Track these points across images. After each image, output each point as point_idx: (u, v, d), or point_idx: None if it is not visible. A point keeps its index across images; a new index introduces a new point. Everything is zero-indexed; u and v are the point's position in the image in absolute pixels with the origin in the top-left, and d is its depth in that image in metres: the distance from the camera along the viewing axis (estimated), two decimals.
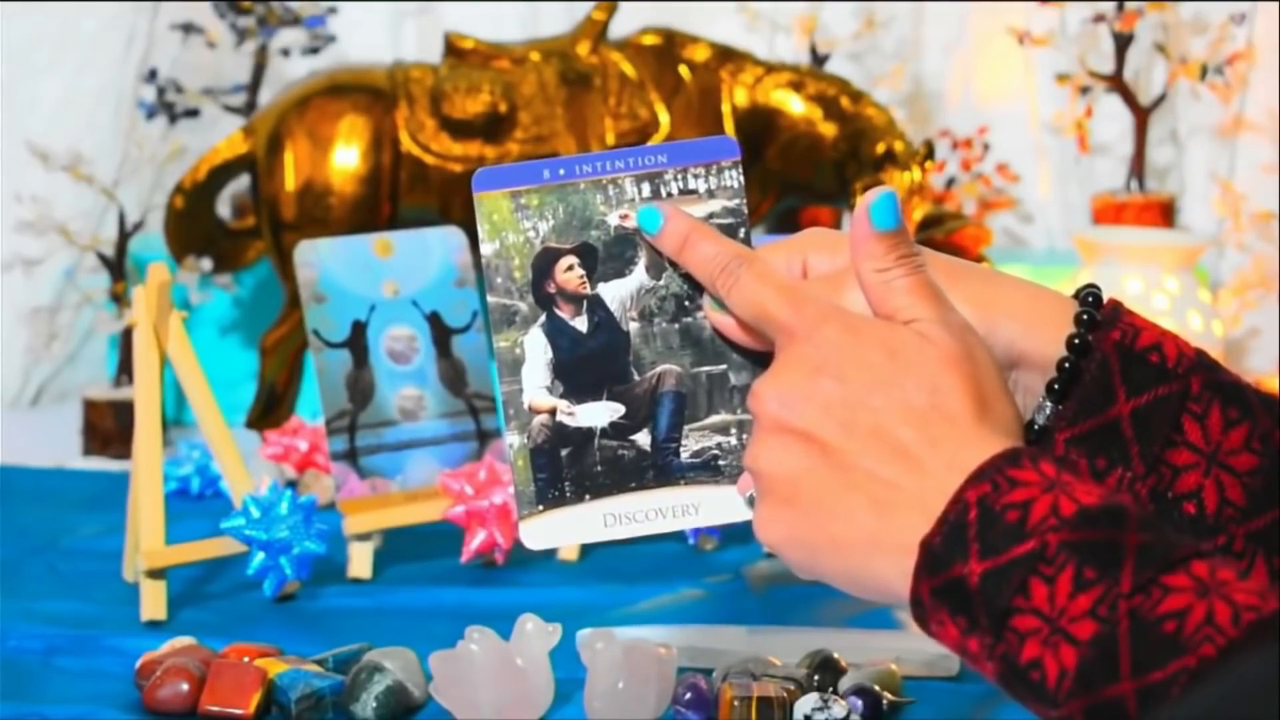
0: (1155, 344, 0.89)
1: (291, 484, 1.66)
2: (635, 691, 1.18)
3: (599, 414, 0.90)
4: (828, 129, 1.86)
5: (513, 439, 0.90)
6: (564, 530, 0.90)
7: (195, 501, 1.68)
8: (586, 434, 0.90)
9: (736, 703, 1.16)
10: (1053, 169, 2.20)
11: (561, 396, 0.90)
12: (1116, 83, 2.07)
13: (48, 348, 2.00)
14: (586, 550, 1.54)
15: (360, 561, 1.48)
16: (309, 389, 1.84)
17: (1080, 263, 1.94)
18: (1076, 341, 0.88)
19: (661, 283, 0.91)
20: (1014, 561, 0.76)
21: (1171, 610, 0.73)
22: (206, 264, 1.86)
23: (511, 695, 1.18)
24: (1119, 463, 0.88)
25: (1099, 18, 2.07)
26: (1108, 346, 0.88)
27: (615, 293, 0.91)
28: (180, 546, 1.39)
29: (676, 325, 0.91)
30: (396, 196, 1.83)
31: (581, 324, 0.91)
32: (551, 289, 0.91)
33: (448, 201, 1.83)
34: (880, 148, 1.84)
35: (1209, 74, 2.05)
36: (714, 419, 0.91)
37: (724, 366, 0.91)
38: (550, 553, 1.53)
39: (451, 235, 1.55)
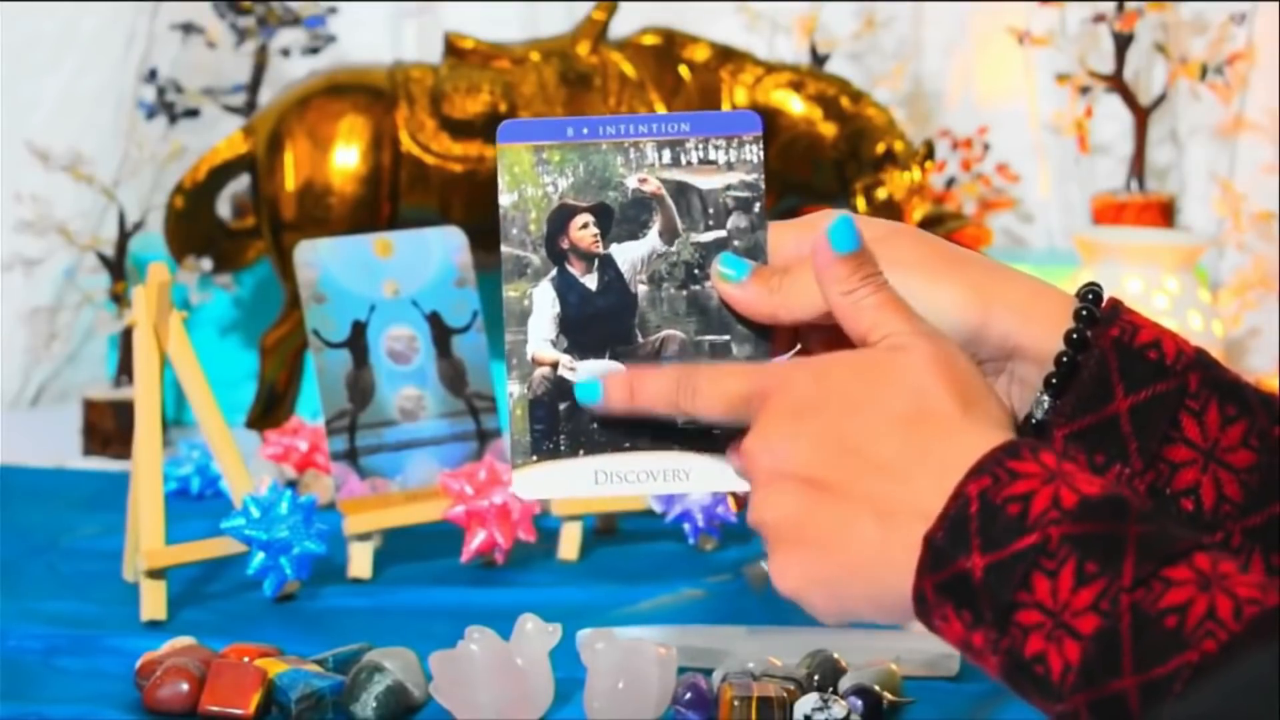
0: (1154, 341, 0.89)
1: (291, 484, 1.66)
2: (635, 691, 1.18)
3: (600, 372, 0.91)
4: (828, 129, 1.86)
5: (513, 388, 0.90)
6: (555, 483, 0.91)
7: (195, 501, 1.68)
8: None
9: (736, 703, 1.16)
10: (1053, 169, 2.20)
11: (565, 351, 0.91)
12: (1116, 83, 2.07)
13: (48, 348, 2.00)
14: (586, 550, 1.54)
15: (360, 561, 1.48)
16: (309, 389, 1.84)
17: (1080, 263, 1.94)
18: (1075, 337, 0.88)
19: (673, 249, 0.91)
20: (1016, 555, 0.76)
21: (1173, 604, 0.73)
22: (206, 264, 1.86)
23: (511, 695, 1.18)
24: (1117, 459, 0.88)
25: (1099, 18, 2.07)
26: (1106, 343, 0.88)
27: (627, 255, 0.92)
28: (180, 546, 1.39)
29: (684, 292, 0.91)
30: (396, 196, 1.83)
31: (591, 282, 0.91)
32: (565, 245, 0.91)
33: (448, 201, 1.83)
34: (880, 148, 1.84)
35: (1209, 74, 2.05)
36: None
37: (727, 337, 0.91)
38: (550, 552, 1.53)
39: (451, 235, 1.55)
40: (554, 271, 0.91)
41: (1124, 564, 0.75)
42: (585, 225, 0.92)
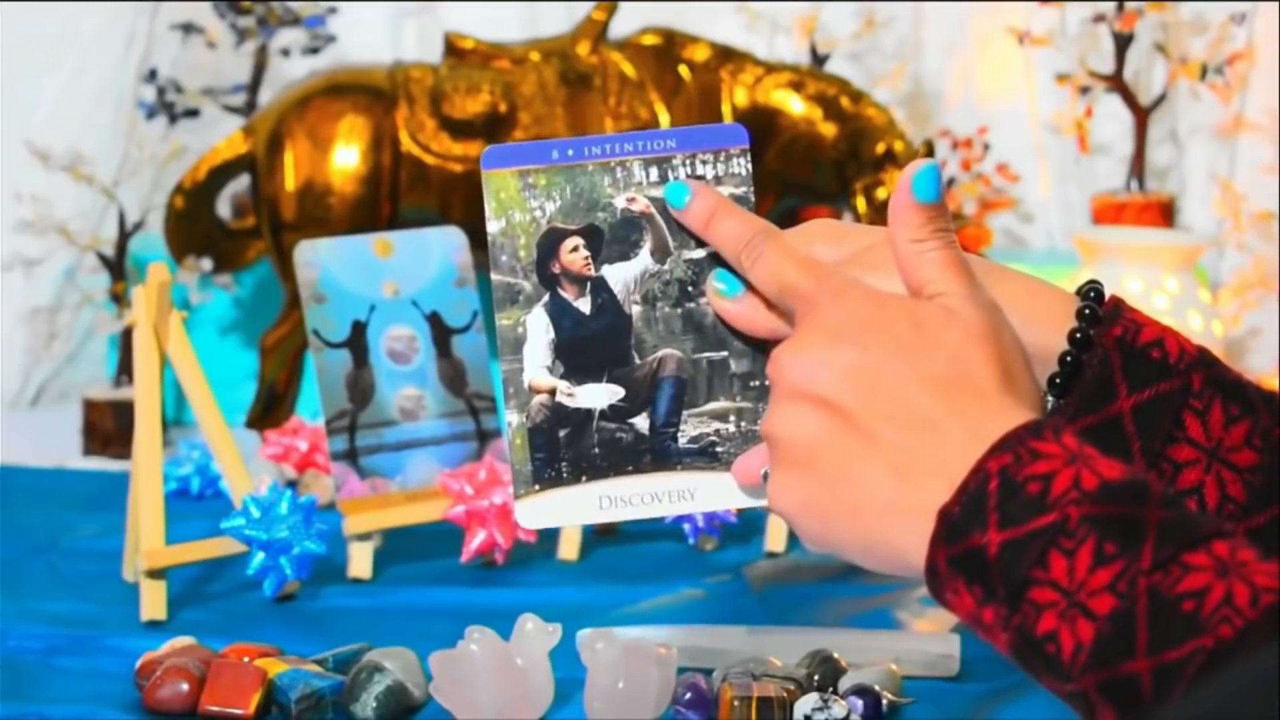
0: (1157, 340, 0.89)
1: (291, 484, 1.66)
2: (635, 691, 1.18)
3: (599, 396, 0.90)
4: (828, 129, 1.86)
5: (511, 417, 0.90)
6: (560, 511, 0.90)
7: (195, 501, 1.68)
8: (585, 415, 0.90)
9: (736, 703, 1.16)
10: (1053, 169, 2.20)
11: (562, 377, 0.90)
12: (1116, 83, 2.07)
13: (48, 348, 2.00)
14: (586, 550, 1.54)
15: (360, 561, 1.48)
16: (309, 389, 1.84)
17: (1080, 262, 1.94)
18: (1078, 336, 0.88)
19: (666, 267, 0.91)
20: (1034, 533, 0.76)
21: (1191, 589, 0.73)
22: (206, 264, 1.86)
23: (511, 695, 1.18)
24: (1120, 459, 0.88)
25: (1099, 18, 2.07)
26: (1109, 342, 0.88)
27: (619, 275, 0.91)
28: (180, 546, 1.38)
29: (679, 310, 0.91)
30: (396, 196, 1.83)
31: (584, 305, 0.91)
32: (556, 269, 0.91)
33: (448, 201, 1.83)
34: (880, 148, 1.84)
35: (1209, 74, 2.05)
36: (713, 405, 0.91)
37: (725, 353, 0.91)
38: (550, 552, 1.53)
39: (451, 235, 1.55)
40: (546, 297, 0.91)
41: (1143, 547, 0.74)
42: (576, 248, 0.91)
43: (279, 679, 1.19)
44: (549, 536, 1.53)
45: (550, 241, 0.91)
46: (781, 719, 1.16)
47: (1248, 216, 2.06)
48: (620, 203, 0.91)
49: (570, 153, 0.91)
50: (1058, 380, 0.89)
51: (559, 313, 0.91)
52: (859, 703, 1.18)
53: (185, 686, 1.20)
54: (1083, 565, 0.75)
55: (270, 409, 1.85)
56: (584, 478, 0.90)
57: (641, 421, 0.91)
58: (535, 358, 0.90)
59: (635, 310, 0.91)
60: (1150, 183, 2.12)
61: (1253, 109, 2.12)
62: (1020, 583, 0.76)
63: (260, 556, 1.38)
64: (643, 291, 0.91)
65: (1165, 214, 2.07)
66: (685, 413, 0.91)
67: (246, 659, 1.22)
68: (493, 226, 0.91)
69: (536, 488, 0.90)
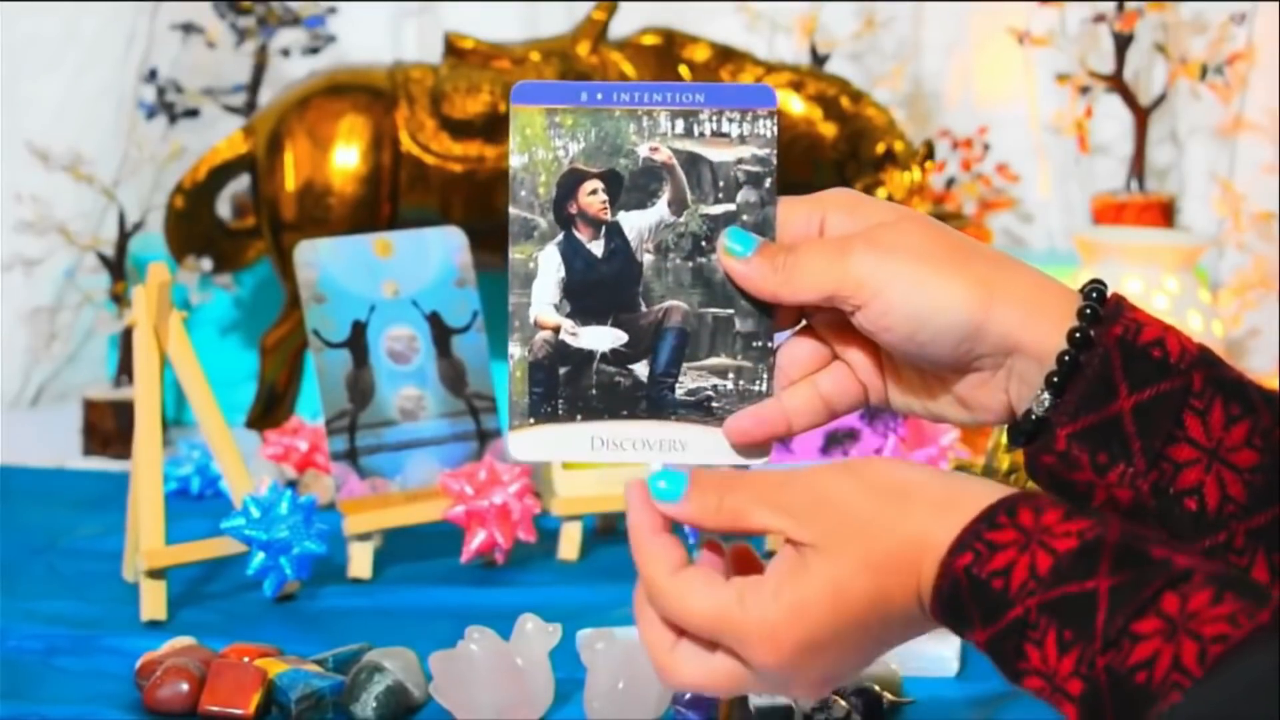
0: (1158, 339, 0.89)
1: (291, 484, 1.66)
2: (635, 691, 1.18)
3: (602, 338, 0.91)
4: (828, 129, 1.86)
5: (514, 350, 0.90)
6: (551, 446, 0.91)
7: (195, 501, 1.68)
8: (586, 356, 0.91)
9: (736, 703, 1.16)
10: (1053, 169, 2.20)
11: (568, 316, 0.91)
12: (1116, 83, 2.07)
13: (48, 348, 2.00)
14: (586, 550, 1.54)
15: (360, 561, 1.48)
16: (309, 389, 1.84)
17: (1080, 263, 1.94)
18: (1077, 335, 0.88)
19: (681, 220, 0.91)
20: (1008, 629, 0.79)
21: (1141, 660, 0.75)
22: (206, 264, 1.86)
23: (511, 695, 1.18)
24: (1120, 458, 0.88)
25: (1099, 18, 2.07)
26: (1110, 341, 0.88)
27: (635, 223, 0.92)
28: (180, 546, 1.39)
29: (690, 264, 0.91)
30: (396, 196, 1.83)
31: (597, 248, 0.91)
32: (573, 210, 0.91)
33: (448, 201, 1.83)
34: (880, 148, 1.84)
35: (1209, 74, 2.05)
36: (713, 360, 0.91)
37: (730, 311, 0.91)
38: (550, 552, 1.53)
39: (451, 235, 1.55)
40: (561, 236, 0.91)
41: (1095, 626, 0.77)
42: (594, 191, 0.92)
43: (279, 679, 1.19)
44: (549, 536, 1.53)
45: (570, 182, 0.91)
46: (781, 719, 1.16)
47: (1248, 216, 2.07)
48: (643, 151, 0.92)
49: (599, 96, 0.92)
50: (1056, 379, 0.89)
51: (571, 252, 0.91)
52: (859, 702, 1.18)
53: (185, 686, 1.20)
54: (1051, 654, 0.78)
55: (270, 409, 1.85)
56: (579, 416, 0.91)
57: (641, 368, 0.91)
58: (544, 294, 0.91)
59: (647, 259, 0.92)
60: (1150, 183, 2.12)
61: (1253, 109, 2.12)
62: (1014, 674, 0.79)
63: (260, 556, 1.38)
64: (656, 241, 0.92)
65: (1165, 214, 2.07)
66: (685, 365, 0.91)
67: (246, 659, 1.22)
68: (515, 161, 0.91)
69: (531, 421, 0.91)
